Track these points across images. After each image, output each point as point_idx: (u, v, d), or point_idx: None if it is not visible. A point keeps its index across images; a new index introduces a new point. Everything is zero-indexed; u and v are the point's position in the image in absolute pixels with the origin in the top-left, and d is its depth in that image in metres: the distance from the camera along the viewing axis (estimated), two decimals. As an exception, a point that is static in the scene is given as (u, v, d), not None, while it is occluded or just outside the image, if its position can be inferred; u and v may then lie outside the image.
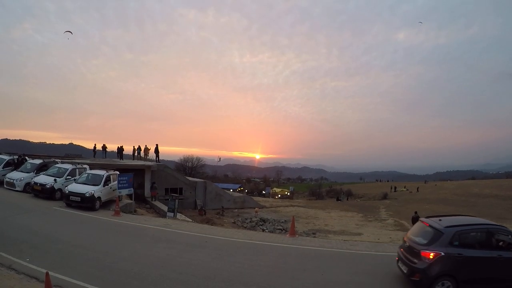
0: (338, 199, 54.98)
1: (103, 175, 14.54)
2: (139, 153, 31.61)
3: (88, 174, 14.93)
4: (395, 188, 64.54)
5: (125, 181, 15.31)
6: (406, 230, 24.26)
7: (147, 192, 25.55)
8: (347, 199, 58.10)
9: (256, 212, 29.68)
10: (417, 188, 59.04)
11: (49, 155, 29.07)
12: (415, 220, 23.03)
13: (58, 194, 14.40)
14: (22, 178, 15.44)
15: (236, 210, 31.14)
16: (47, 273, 5.13)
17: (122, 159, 29.66)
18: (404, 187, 65.08)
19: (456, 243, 6.00)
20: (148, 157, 31.81)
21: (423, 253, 6.03)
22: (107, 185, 14.60)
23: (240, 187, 78.20)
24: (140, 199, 23.17)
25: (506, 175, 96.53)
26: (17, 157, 18.37)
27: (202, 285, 6.23)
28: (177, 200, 20.39)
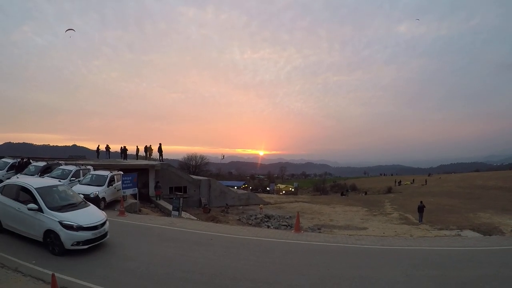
0: (342, 194, 54.81)
1: (107, 176, 14.59)
2: (151, 153, 31.63)
3: (92, 175, 14.99)
4: (400, 181, 64.44)
5: (129, 181, 15.36)
6: (411, 223, 24.28)
7: (151, 191, 25.65)
8: (365, 194, 56.43)
9: (261, 208, 29.72)
10: (425, 181, 59.20)
11: (52, 157, 29.24)
12: (420, 209, 23.73)
13: (62, 196, 14.43)
14: (26, 181, 15.48)
15: (240, 207, 31.20)
16: (53, 275, 5.14)
17: (126, 159, 29.75)
18: (413, 180, 64.93)
19: None
20: (151, 157, 31.91)
21: None
22: (111, 185, 14.65)
23: (244, 184, 78.16)
24: (144, 199, 23.27)
25: (509, 167, 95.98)
26: (19, 160, 18.43)
27: (209, 283, 6.22)
28: (181, 199, 20.47)
